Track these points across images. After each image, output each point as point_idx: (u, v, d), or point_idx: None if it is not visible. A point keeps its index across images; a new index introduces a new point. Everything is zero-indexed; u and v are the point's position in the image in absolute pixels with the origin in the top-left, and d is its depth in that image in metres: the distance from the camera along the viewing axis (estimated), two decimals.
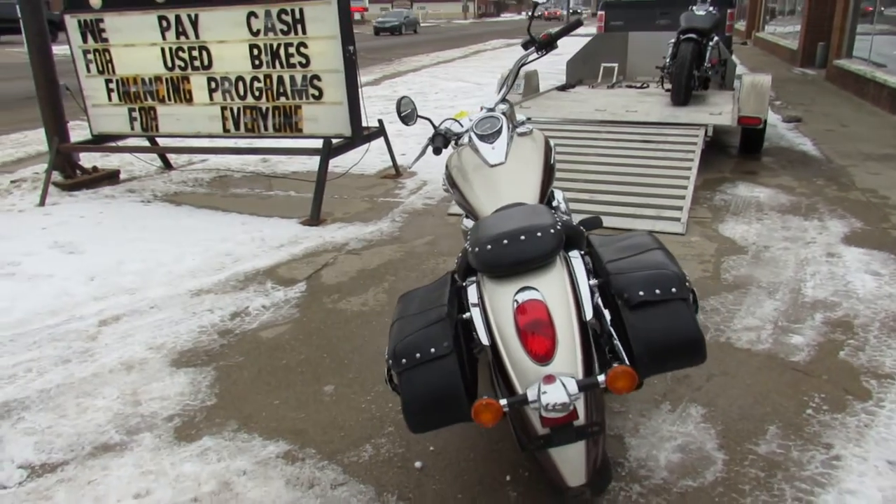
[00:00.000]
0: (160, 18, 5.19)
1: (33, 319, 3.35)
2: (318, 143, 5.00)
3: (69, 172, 5.80)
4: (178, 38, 5.22)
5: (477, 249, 1.87)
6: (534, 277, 1.81)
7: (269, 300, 3.54)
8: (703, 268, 3.81)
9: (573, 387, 1.62)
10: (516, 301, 1.76)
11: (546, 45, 2.98)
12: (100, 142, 5.82)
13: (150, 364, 2.93)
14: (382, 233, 4.55)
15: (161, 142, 6.17)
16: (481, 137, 2.75)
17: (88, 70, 5.60)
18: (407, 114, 2.73)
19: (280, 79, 5.09)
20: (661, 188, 4.78)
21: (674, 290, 1.74)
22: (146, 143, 6.16)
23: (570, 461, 1.66)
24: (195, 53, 5.24)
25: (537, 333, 1.69)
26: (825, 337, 3.03)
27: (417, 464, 2.27)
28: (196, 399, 2.68)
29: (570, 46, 8.09)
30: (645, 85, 7.80)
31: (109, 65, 5.51)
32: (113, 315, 3.37)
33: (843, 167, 5.97)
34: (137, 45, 5.37)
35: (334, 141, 5.06)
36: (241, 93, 5.22)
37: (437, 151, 2.71)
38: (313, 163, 5.05)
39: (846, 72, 10.65)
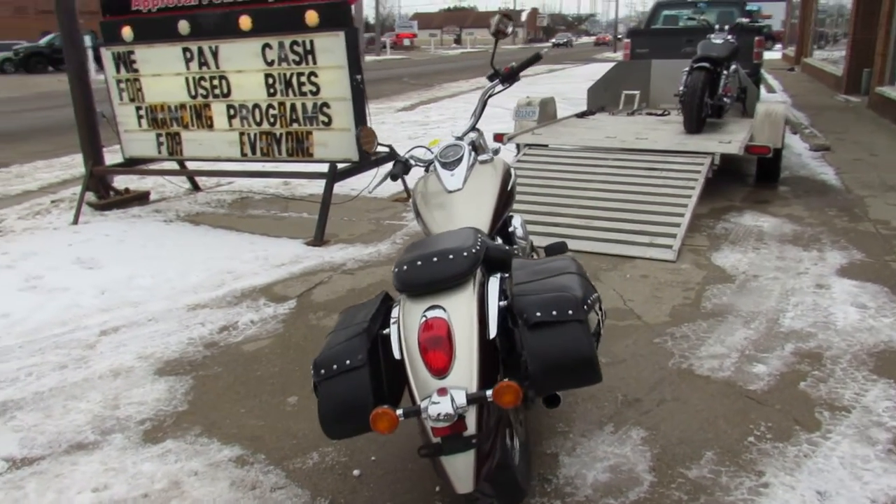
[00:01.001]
0: (184, 50, 5.54)
1: (43, 328, 3.62)
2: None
3: (102, 193, 6.18)
4: (200, 68, 5.55)
5: (396, 270, 2.01)
6: (443, 297, 1.94)
7: (258, 315, 3.74)
8: (684, 295, 3.85)
9: (462, 399, 1.73)
10: (424, 318, 1.89)
11: (508, 77, 3.13)
12: (131, 165, 6.19)
13: (136, 372, 3.15)
14: (380, 254, 4.72)
15: (191, 165, 6.51)
16: (443, 165, 2.90)
17: (121, 98, 5.98)
18: (365, 147, 2.88)
19: (293, 106, 5.36)
20: (657, 215, 4.83)
21: (570, 311, 1.84)
22: (176, 167, 6.51)
23: (459, 469, 1.76)
24: (216, 82, 5.56)
25: (436, 349, 1.81)
26: (790, 367, 3.04)
27: (356, 472, 2.40)
28: (170, 405, 2.88)
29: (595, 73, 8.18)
30: (666, 112, 7.83)
31: (139, 93, 5.88)
32: (113, 326, 3.62)
33: (861, 197, 5.88)
34: (164, 75, 5.72)
35: (343, 165, 5.28)
36: (258, 119, 5.50)
37: (393, 178, 2.86)
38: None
39: (887, 99, 10.41)
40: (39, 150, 9.27)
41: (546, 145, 6.20)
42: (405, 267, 1.98)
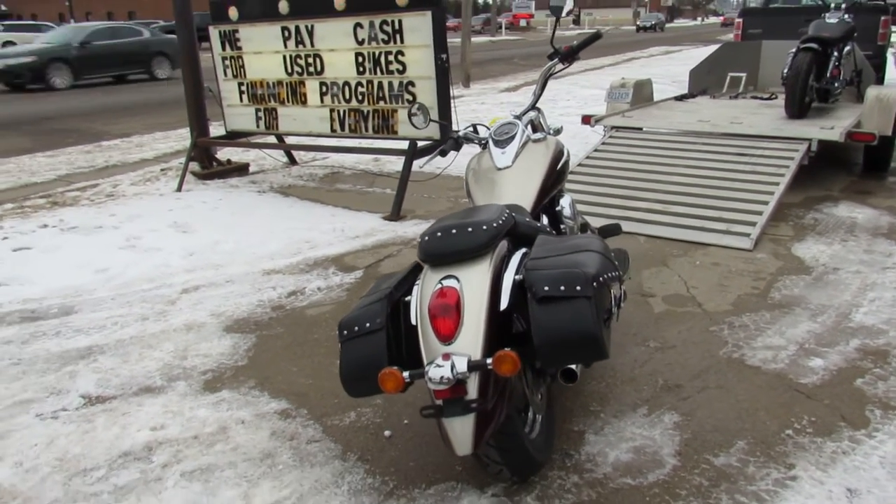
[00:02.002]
0: (283, 29, 5.81)
1: (134, 283, 3.98)
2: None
3: (206, 164, 6.62)
4: (296, 46, 5.82)
5: (419, 241, 2.10)
6: (459, 268, 2.00)
7: (325, 283, 3.93)
8: (753, 285, 3.71)
9: (462, 365, 1.80)
10: (439, 286, 1.97)
11: (567, 56, 3.11)
12: (232, 138, 6.59)
13: (207, 327, 3.42)
14: None
15: (288, 140, 6.84)
16: (496, 142, 2.95)
17: (225, 74, 6.37)
18: (417, 118, 2.96)
19: (380, 84, 5.52)
20: (739, 202, 4.64)
21: (578, 287, 1.86)
22: (275, 141, 6.86)
23: (458, 432, 1.84)
24: (310, 60, 5.81)
25: (444, 316, 1.89)
26: (850, 363, 2.89)
27: (387, 432, 2.52)
28: (231, 359, 3.11)
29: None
30: (773, 96, 7.41)
31: (241, 70, 6.24)
32: (194, 285, 3.93)
33: None
34: (264, 53, 6.04)
35: (424, 143, 5.40)
36: (347, 97, 5.71)
37: (443, 153, 2.93)
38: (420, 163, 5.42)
39: None
40: (161, 122, 10.00)
41: (632, 128, 6.05)
42: (427, 238, 2.06)
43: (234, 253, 4.43)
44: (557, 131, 3.36)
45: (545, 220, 2.82)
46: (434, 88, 5.29)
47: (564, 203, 2.90)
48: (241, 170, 6.81)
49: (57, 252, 4.55)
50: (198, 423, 2.60)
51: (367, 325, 2.04)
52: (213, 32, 6.28)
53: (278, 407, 2.72)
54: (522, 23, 54.62)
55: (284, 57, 5.93)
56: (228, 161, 6.85)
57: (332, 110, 5.84)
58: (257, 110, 6.30)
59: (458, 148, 3.01)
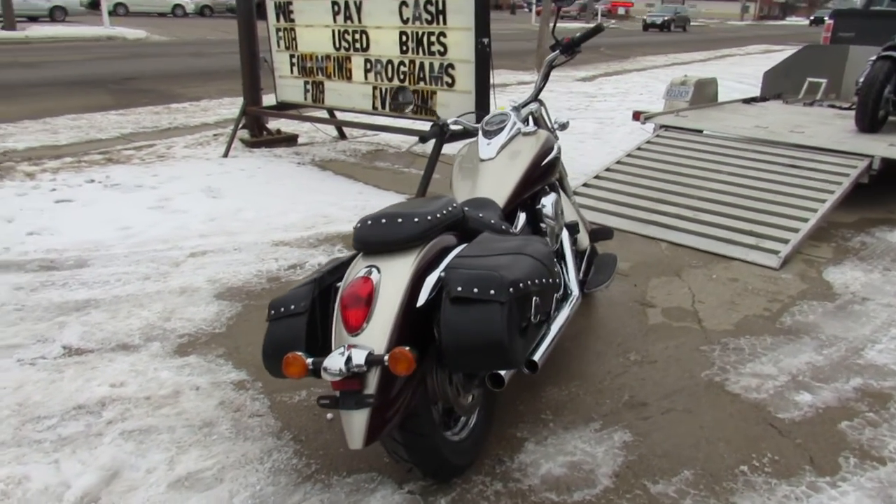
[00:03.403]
0: (333, 3, 5.84)
1: (149, 243, 4.12)
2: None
3: (255, 132, 6.77)
4: (345, 21, 5.84)
5: (353, 227, 2.06)
6: (383, 259, 1.95)
7: (327, 259, 3.95)
8: (766, 307, 3.47)
9: (359, 358, 1.76)
10: (359, 276, 1.93)
11: (567, 48, 2.98)
12: (281, 108, 6.71)
13: (200, 293, 3.50)
14: None
15: (327, 115, 6.89)
16: (485, 133, 2.87)
17: (279, 46, 6.48)
18: (398, 104, 2.90)
19: (421, 65, 5.47)
20: (777, 217, 4.35)
21: (492, 291, 1.78)
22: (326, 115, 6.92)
23: (351, 425, 1.80)
24: (357, 36, 5.82)
25: (353, 307, 1.85)
26: (841, 403, 2.67)
27: (329, 415, 2.51)
28: (211, 326, 3.18)
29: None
30: (853, 106, 6.91)
31: (294, 42, 6.32)
32: (203, 250, 4.03)
33: None
34: (315, 26, 6.09)
35: (457, 128, 5.32)
36: (389, 75, 5.70)
37: (422, 140, 2.88)
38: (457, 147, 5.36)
39: None
40: (230, 89, 10.28)
41: (681, 128, 5.77)
42: (359, 225, 2.02)
43: (253, 221, 4.52)
44: (563, 126, 3.25)
45: (522, 217, 2.72)
46: (472, 72, 5.19)
47: (547, 201, 2.79)
48: (290, 140, 6.93)
49: (93, 207, 4.77)
50: (155, 385, 2.67)
51: (292, 307, 2.03)
52: (270, 4, 6.38)
53: (236, 378, 2.75)
54: (621, 10, 53.07)
55: (333, 31, 5.97)
56: (278, 131, 6.98)
57: (374, 87, 5.84)
58: (306, 83, 6.37)
59: (443, 135, 2.95)
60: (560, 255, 2.88)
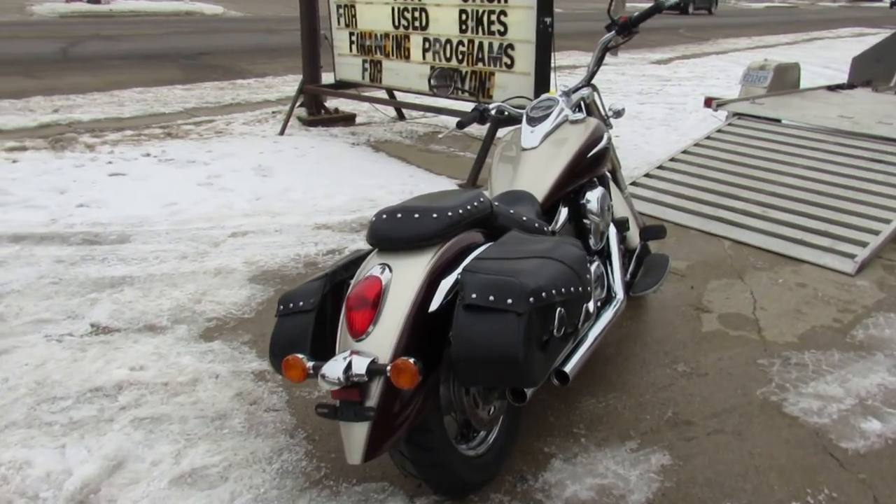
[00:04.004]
0: None
1: (193, 221, 4.09)
2: None
3: (313, 111, 6.71)
4: None
5: (369, 220, 1.90)
6: (397, 257, 1.80)
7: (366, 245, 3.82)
8: (836, 317, 3.15)
9: (360, 367, 1.61)
10: (369, 274, 1.77)
11: (623, 28, 2.73)
12: (339, 87, 6.61)
13: (234, 275, 3.43)
14: None
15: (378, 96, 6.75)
16: (530, 120, 2.67)
17: (339, 23, 6.37)
18: (437, 86, 2.72)
19: (480, 45, 5.26)
20: (856, 217, 3.96)
21: (509, 301, 1.60)
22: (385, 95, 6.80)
23: (350, 438, 1.66)
24: (416, 14, 5.64)
25: (359, 309, 1.70)
26: None
27: None
28: (241, 310, 3.10)
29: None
30: None
31: (353, 19, 6.20)
32: (244, 230, 3.97)
33: None
34: (375, 3, 5.94)
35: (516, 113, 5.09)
36: (448, 55, 5.51)
37: (459, 126, 2.69)
38: None
39: None
40: (296, 66, 10.13)
41: (756, 116, 5.37)
42: (374, 219, 1.86)
43: (298, 202, 4.44)
44: (618, 113, 3.00)
45: (564, 213, 2.51)
46: (532, 54, 4.96)
47: (592, 196, 2.56)
48: (347, 120, 6.84)
49: (144, 181, 4.79)
50: (175, 371, 2.60)
51: (301, 303, 1.89)
52: None
53: (258, 367, 2.66)
54: None
55: (393, 9, 5.81)
56: (336, 110, 6.90)
57: (432, 68, 5.66)
58: (364, 61, 6.25)
59: (482, 122, 2.76)
60: (606, 255, 2.66)
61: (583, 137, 2.56)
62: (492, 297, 1.61)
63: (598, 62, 2.87)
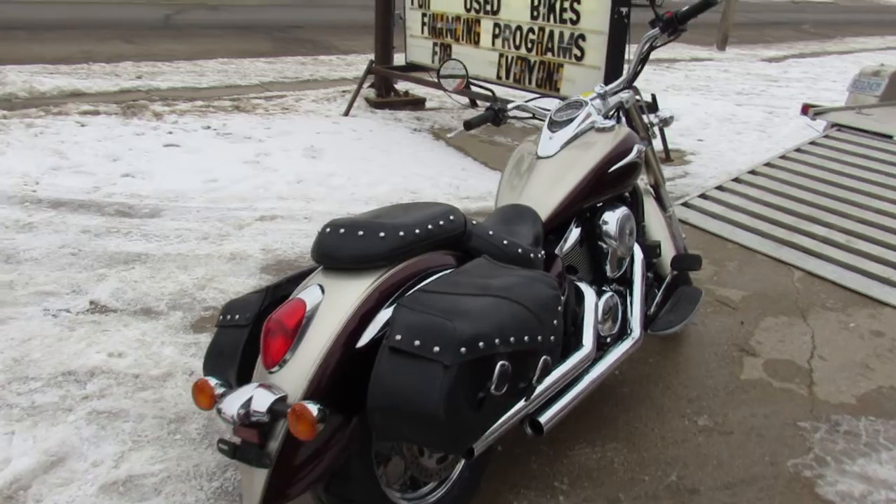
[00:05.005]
0: None
1: (227, 200, 4.01)
2: None
3: (381, 92, 6.55)
4: None
5: (319, 231, 1.68)
6: (334, 278, 1.56)
7: None
8: (876, 366, 2.68)
9: (261, 404, 1.39)
10: (296, 296, 1.55)
11: (669, 24, 2.35)
12: (408, 70, 6.40)
13: (248, 262, 3.30)
14: None
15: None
16: (552, 124, 2.36)
17: (412, 3, 6.14)
18: (446, 77, 2.45)
19: (550, 34, 4.92)
20: None
21: (436, 348, 1.34)
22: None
23: (247, 485, 1.45)
24: None
25: (275, 336, 1.48)
26: None
27: None
28: None
29: None
30: None
31: (427, 0, 5.96)
32: (273, 215, 3.84)
33: None
34: None
35: None
36: (517, 42, 5.19)
37: (467, 126, 2.40)
38: None
39: None
40: None
41: (859, 129, 4.75)
42: (319, 231, 1.63)
43: (338, 188, 4.28)
44: (665, 122, 2.65)
45: (575, 234, 2.20)
46: (604, 45, 4.56)
47: (611, 217, 2.23)
48: (416, 104, 6.64)
49: (194, 154, 4.76)
50: (151, 362, 2.49)
51: (237, 316, 1.70)
52: None
53: None
54: None
55: None
56: (406, 93, 6.71)
57: (501, 55, 5.36)
58: (434, 44, 6.01)
59: (496, 123, 2.47)
60: (627, 282, 2.33)
61: (606, 149, 2.23)
62: (417, 342, 1.35)
63: (642, 62, 2.51)
